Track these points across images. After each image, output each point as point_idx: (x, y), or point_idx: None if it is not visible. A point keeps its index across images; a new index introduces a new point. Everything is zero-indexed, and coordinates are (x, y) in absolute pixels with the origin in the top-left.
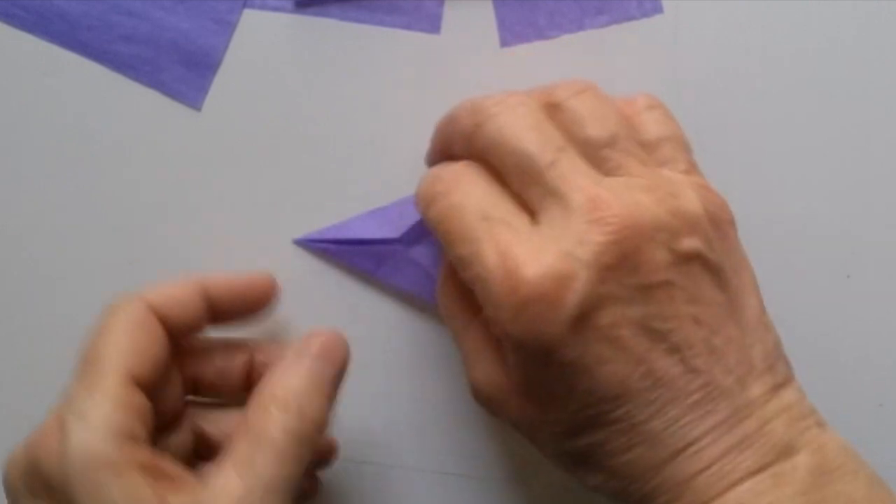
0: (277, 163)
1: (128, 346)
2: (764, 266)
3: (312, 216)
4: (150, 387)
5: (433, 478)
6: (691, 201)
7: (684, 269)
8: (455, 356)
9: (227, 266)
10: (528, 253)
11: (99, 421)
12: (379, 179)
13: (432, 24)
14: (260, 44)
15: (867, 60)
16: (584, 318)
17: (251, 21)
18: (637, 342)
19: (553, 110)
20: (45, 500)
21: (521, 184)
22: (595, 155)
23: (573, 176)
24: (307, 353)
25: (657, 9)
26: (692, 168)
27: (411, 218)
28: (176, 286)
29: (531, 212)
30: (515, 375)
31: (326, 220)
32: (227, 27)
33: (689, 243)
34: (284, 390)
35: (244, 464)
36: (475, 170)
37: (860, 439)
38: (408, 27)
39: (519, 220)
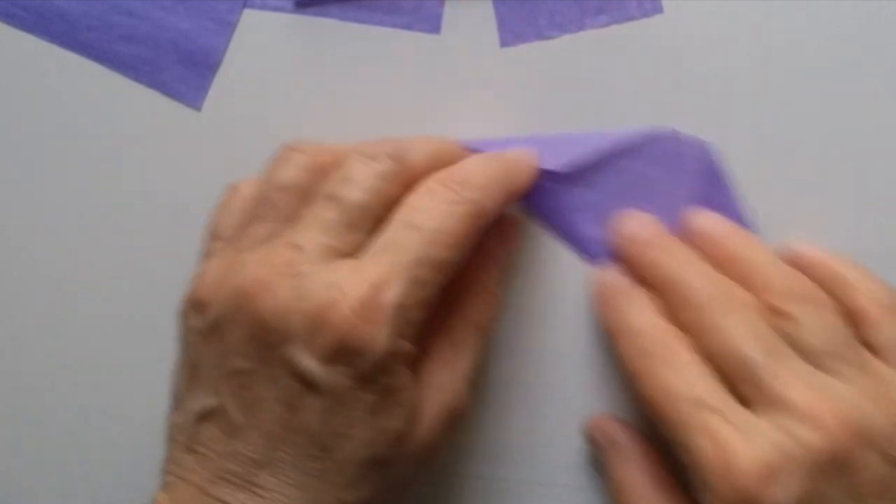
0: None
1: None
2: None
3: None
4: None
5: (433, 478)
6: None
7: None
8: None
9: None
10: (744, 446)
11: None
12: None
13: (432, 24)
14: (260, 44)
15: (867, 60)
16: None
17: (251, 21)
18: None
19: (779, 314)
20: (329, 361)
21: (741, 381)
22: (816, 360)
23: (795, 383)
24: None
25: (657, 9)
26: None
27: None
28: None
29: (741, 397)
30: None
31: None
32: (227, 27)
33: None
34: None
35: None
36: (687, 347)
37: None
38: (408, 27)
39: (733, 409)
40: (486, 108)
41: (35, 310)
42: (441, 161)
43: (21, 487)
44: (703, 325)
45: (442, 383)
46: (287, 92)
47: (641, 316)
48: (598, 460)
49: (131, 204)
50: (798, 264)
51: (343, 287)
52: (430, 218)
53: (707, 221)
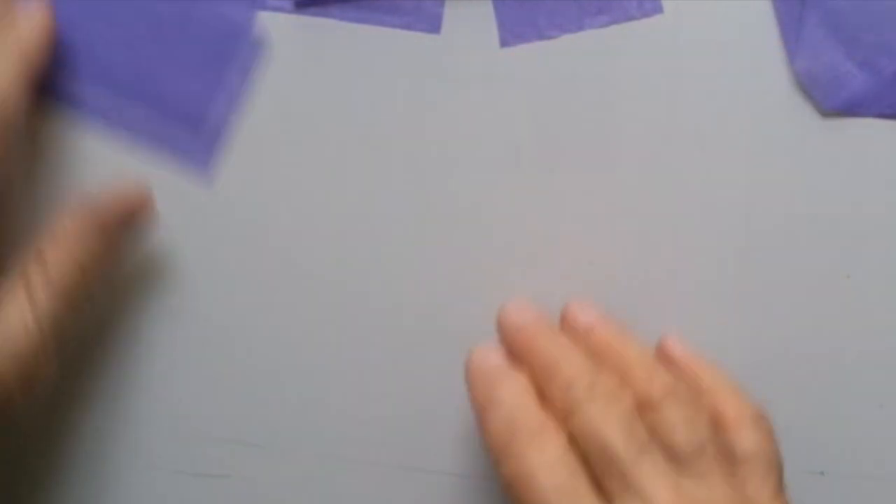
0: (278, 163)
1: None
2: (764, 266)
3: (312, 213)
4: None
5: (433, 478)
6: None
7: None
8: (454, 356)
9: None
10: None
11: None
12: (380, 179)
13: (432, 24)
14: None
15: None
16: None
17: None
18: None
19: (645, 408)
20: None
21: (602, 471)
22: (680, 459)
23: (655, 478)
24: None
25: (657, 9)
26: (778, 494)
27: None
28: None
29: (607, 496)
30: None
31: (325, 219)
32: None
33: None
34: None
35: None
36: (555, 430)
37: (860, 439)
38: (408, 27)
39: (592, 500)
40: (486, 108)
41: None
42: None
43: None
44: (572, 408)
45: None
46: (287, 92)
47: (513, 392)
48: None
49: None
50: (667, 361)
51: None
52: None
53: (582, 312)
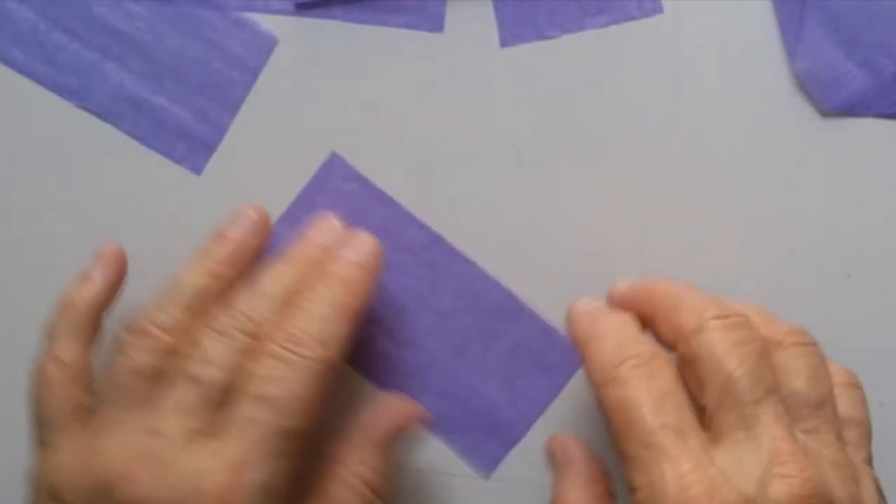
0: (279, 163)
1: None
2: (764, 265)
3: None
4: None
5: (433, 478)
6: (870, 495)
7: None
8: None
9: None
10: (708, 486)
11: None
12: (383, 180)
13: (435, 23)
14: None
15: None
16: None
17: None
18: None
19: (775, 348)
20: None
21: (718, 403)
22: (797, 409)
23: (773, 421)
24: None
25: (657, 9)
26: (869, 460)
27: None
28: None
29: (714, 429)
30: None
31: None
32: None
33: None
34: (376, 476)
35: None
36: (668, 360)
37: None
38: (411, 27)
39: (699, 437)
40: (487, 107)
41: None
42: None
43: None
44: (702, 326)
45: None
46: (290, 93)
47: (620, 323)
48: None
49: (132, 211)
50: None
51: (206, 473)
52: (282, 388)
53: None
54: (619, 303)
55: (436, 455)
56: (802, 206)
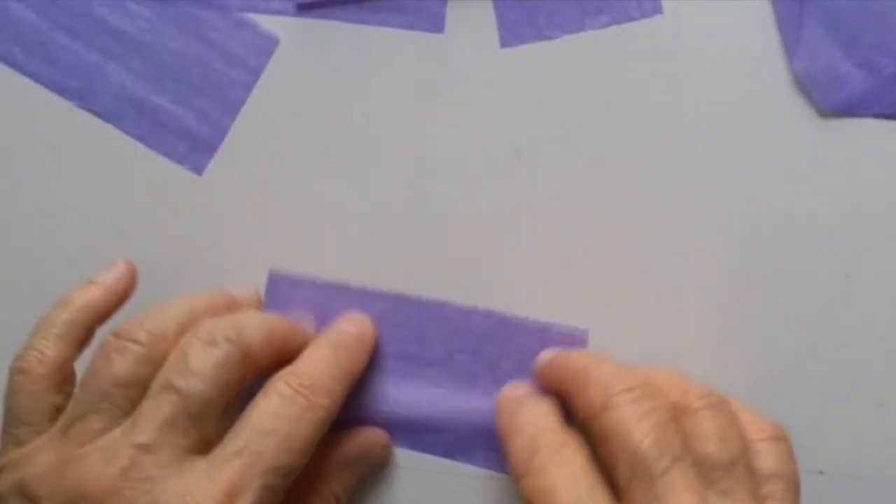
0: (280, 163)
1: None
2: (764, 266)
3: (316, 214)
4: None
5: (433, 478)
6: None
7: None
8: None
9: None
10: None
11: None
12: (384, 179)
13: (436, 24)
14: None
15: None
16: None
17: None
18: None
19: (681, 414)
20: None
21: (629, 478)
22: (710, 472)
23: (683, 489)
24: (364, 465)
25: (657, 9)
26: None
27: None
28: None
29: (628, 502)
30: None
31: (327, 217)
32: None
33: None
34: (342, 490)
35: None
36: (577, 446)
37: (860, 439)
38: (411, 27)
39: None
40: (487, 107)
41: None
42: (276, 341)
43: None
44: (606, 404)
45: None
46: (290, 94)
47: (535, 414)
48: None
49: (133, 213)
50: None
51: (196, 496)
52: (284, 424)
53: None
54: (540, 378)
55: (436, 455)
56: (802, 206)
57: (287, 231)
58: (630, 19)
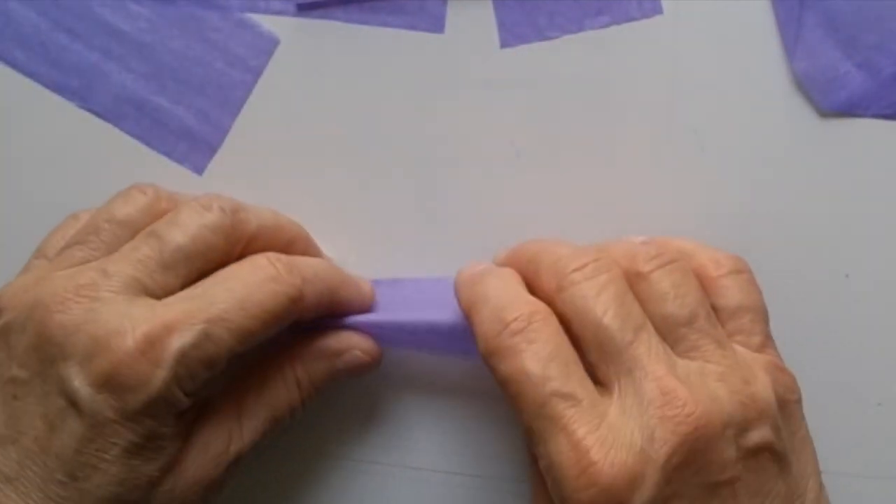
0: (281, 163)
1: (261, 331)
2: (764, 265)
3: (316, 215)
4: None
5: (434, 477)
6: (764, 387)
7: (751, 462)
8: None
9: None
10: (601, 447)
11: None
12: (384, 179)
13: (436, 24)
14: None
15: None
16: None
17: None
18: None
19: (635, 279)
20: (97, 387)
21: (598, 355)
22: (672, 332)
23: (649, 360)
24: (342, 362)
25: (657, 9)
26: (767, 342)
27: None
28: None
29: (601, 381)
30: None
31: (327, 218)
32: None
33: (759, 435)
34: (306, 376)
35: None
36: (545, 315)
37: (860, 439)
38: (412, 27)
39: (589, 395)
40: (487, 107)
41: None
42: (276, 234)
43: None
44: (561, 285)
45: (209, 453)
46: (291, 94)
47: (498, 283)
48: None
49: None
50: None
51: (134, 319)
52: (245, 286)
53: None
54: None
55: (436, 455)
56: (801, 207)
57: None
58: (630, 19)
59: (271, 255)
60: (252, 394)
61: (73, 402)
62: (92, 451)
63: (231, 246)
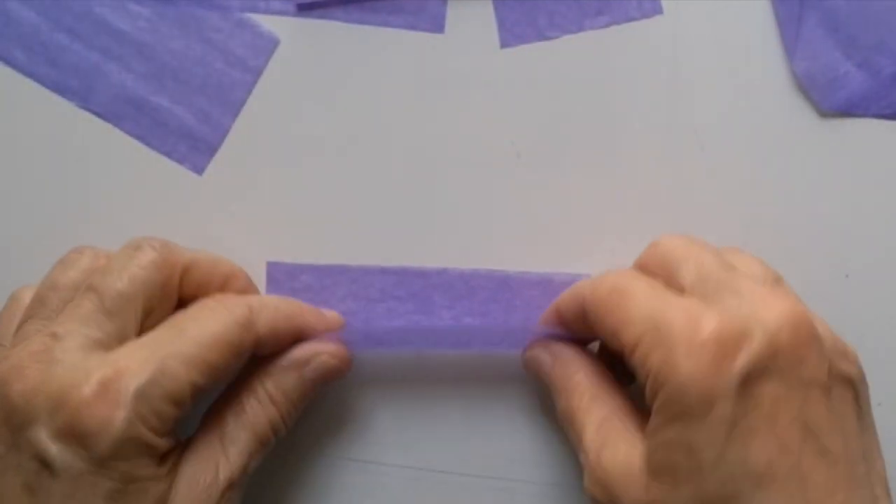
0: (281, 163)
1: (218, 363)
2: None
3: (316, 215)
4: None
5: (434, 477)
6: (849, 345)
7: (840, 389)
8: (455, 354)
9: None
10: (711, 310)
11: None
12: (384, 180)
13: (436, 24)
14: None
15: None
16: (752, 379)
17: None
18: (791, 431)
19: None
20: (65, 443)
21: (697, 287)
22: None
23: (748, 281)
24: (310, 370)
25: (657, 9)
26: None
27: None
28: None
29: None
30: (657, 445)
31: (327, 218)
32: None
33: (849, 368)
34: (278, 390)
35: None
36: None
37: None
38: (412, 27)
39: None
40: (487, 108)
41: None
42: (214, 267)
43: None
44: (662, 248)
45: (198, 485)
46: (291, 94)
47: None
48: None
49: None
50: None
51: (89, 370)
52: (194, 320)
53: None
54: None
55: (436, 455)
56: (801, 207)
57: (287, 231)
58: (630, 19)
59: (217, 295)
60: (230, 419)
61: (45, 463)
62: None
63: (167, 277)
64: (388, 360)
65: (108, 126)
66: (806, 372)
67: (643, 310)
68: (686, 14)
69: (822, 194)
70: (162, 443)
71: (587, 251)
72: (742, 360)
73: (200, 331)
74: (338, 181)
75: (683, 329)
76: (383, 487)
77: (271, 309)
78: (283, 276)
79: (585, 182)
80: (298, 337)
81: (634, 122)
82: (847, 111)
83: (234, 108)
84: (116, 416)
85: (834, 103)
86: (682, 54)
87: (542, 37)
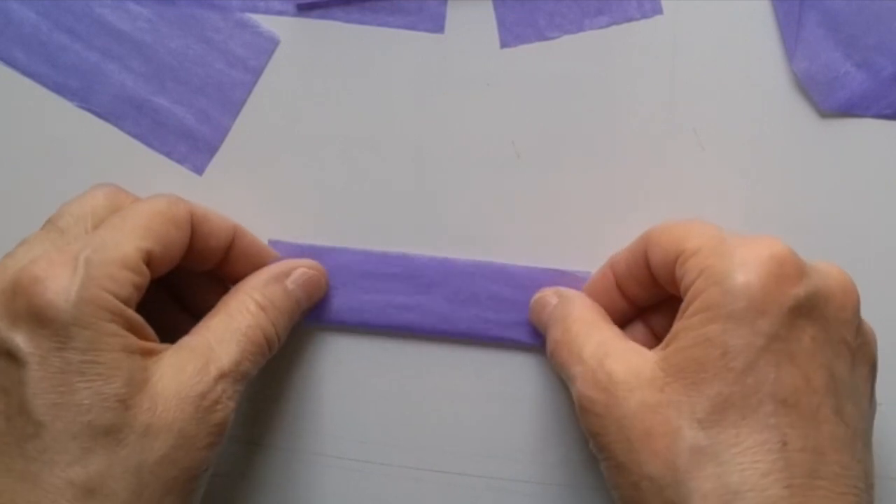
0: (281, 163)
1: (157, 229)
2: None
3: (316, 215)
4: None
5: (434, 478)
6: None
7: (861, 364)
8: (455, 354)
9: None
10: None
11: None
12: (384, 180)
13: (436, 24)
14: None
15: None
16: (802, 312)
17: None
18: (821, 375)
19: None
20: (27, 328)
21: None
22: None
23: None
24: (291, 282)
25: (657, 9)
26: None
27: None
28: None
29: None
30: (690, 341)
31: (327, 218)
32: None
33: (871, 349)
34: (265, 298)
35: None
36: None
37: None
38: (412, 27)
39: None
40: (487, 108)
41: None
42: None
43: None
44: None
45: (186, 371)
46: (291, 94)
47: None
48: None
49: None
50: None
51: (37, 256)
52: (133, 207)
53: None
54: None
55: (436, 455)
56: (801, 207)
57: (287, 231)
58: (630, 19)
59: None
60: (221, 325)
61: (12, 356)
62: (47, 389)
63: (121, 202)
64: (389, 360)
65: (108, 126)
66: (843, 331)
67: (711, 228)
68: (686, 14)
69: (822, 194)
70: (128, 312)
71: (587, 251)
72: (799, 290)
73: (135, 210)
74: (338, 181)
75: (750, 245)
76: (383, 487)
77: (187, 203)
78: (283, 253)
79: (585, 182)
80: (234, 236)
81: (634, 122)
82: (847, 111)
83: (234, 108)
84: (71, 282)
85: (834, 103)
86: (682, 54)
87: (542, 37)
